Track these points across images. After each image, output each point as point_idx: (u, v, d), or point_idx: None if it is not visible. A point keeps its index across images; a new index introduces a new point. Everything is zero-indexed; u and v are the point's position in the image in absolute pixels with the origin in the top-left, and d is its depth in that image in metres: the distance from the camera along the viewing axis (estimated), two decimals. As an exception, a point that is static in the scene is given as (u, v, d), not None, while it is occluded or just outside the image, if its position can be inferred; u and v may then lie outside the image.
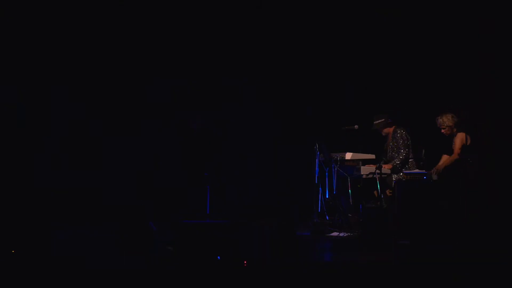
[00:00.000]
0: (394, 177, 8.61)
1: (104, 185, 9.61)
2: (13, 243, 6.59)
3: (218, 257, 6.39)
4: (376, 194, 8.67)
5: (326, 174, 9.00)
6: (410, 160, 8.86)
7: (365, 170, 8.66)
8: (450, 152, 8.47)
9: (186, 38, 9.98)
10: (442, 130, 8.42)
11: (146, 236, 7.10)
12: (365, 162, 8.80)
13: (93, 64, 9.72)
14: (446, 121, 8.35)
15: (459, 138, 8.34)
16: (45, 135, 9.55)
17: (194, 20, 9.93)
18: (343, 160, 8.78)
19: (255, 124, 10.38)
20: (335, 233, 8.44)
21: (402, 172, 8.62)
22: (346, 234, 8.18)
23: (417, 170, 8.59)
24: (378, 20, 9.88)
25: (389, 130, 8.94)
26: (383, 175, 8.47)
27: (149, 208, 9.06)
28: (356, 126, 8.93)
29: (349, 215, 8.59)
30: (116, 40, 9.77)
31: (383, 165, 8.62)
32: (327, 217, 8.84)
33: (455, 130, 8.41)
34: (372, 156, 8.90)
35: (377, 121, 8.88)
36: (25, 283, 5.96)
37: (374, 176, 8.47)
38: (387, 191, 8.60)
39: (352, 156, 8.77)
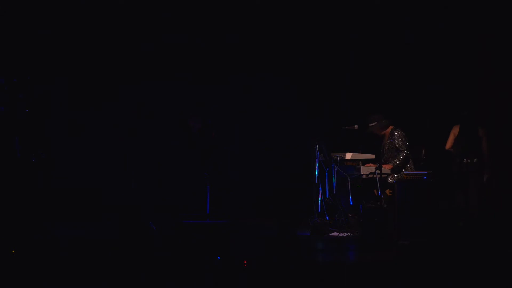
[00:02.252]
0: (394, 176, 8.60)
1: (104, 185, 9.62)
2: (13, 243, 6.59)
3: (218, 257, 6.40)
4: (376, 194, 8.66)
5: (326, 174, 8.99)
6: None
7: (365, 170, 8.66)
8: None
9: (186, 38, 9.98)
10: None
11: (146, 236, 7.11)
12: (365, 162, 8.79)
13: (93, 64, 9.73)
14: None
15: (452, 131, 8.40)
16: (45, 135, 9.55)
17: (194, 20, 9.94)
18: (343, 160, 8.77)
19: (255, 124, 10.38)
20: (335, 233, 8.45)
21: (402, 172, 8.61)
22: (346, 234, 8.18)
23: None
24: (378, 19, 9.89)
25: (386, 131, 8.91)
26: (383, 175, 8.46)
27: (149, 208, 9.06)
28: (356, 126, 8.92)
29: (349, 215, 8.58)
30: (116, 40, 9.77)
31: (383, 165, 8.62)
32: (327, 217, 8.83)
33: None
34: (372, 156, 8.89)
35: (372, 124, 8.86)
36: (25, 283, 5.97)
37: (374, 176, 8.46)
38: (387, 191, 8.59)
39: (352, 156, 8.76)
